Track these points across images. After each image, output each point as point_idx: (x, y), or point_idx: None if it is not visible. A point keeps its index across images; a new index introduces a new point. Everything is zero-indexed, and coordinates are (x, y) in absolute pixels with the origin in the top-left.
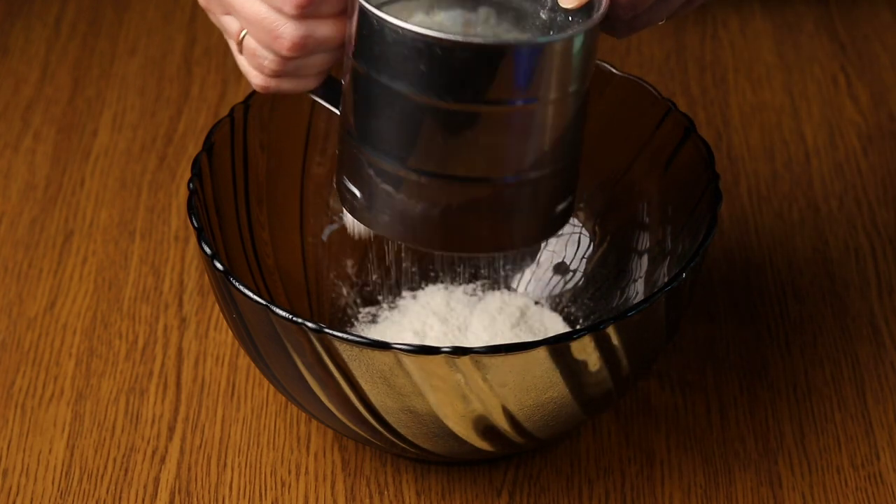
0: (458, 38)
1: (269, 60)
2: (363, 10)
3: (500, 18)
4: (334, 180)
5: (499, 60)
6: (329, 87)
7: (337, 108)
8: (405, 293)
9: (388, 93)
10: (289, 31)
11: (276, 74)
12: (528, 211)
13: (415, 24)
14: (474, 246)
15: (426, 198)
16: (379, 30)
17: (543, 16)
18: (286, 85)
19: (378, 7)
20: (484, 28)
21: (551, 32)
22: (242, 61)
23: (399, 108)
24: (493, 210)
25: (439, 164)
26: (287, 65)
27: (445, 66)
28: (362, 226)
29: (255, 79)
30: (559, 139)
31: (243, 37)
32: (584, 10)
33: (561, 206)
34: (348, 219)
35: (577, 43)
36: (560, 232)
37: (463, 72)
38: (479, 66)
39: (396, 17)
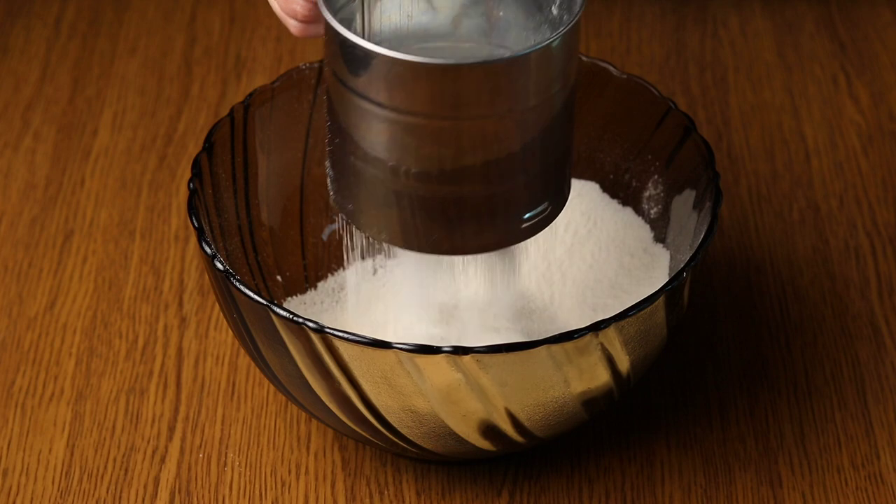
0: (424, 59)
1: (300, 6)
2: (338, 34)
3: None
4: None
5: (464, 78)
6: None
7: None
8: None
9: (361, 105)
10: None
11: (308, 20)
12: (510, 211)
13: (383, 44)
14: (457, 248)
15: (409, 202)
16: (350, 48)
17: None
18: (319, 30)
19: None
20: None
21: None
22: (278, 9)
23: (374, 119)
24: (475, 212)
25: (418, 170)
26: (316, 10)
27: (411, 85)
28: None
29: (291, 26)
30: (545, 140)
31: None
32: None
33: (542, 207)
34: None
35: (551, 50)
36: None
37: (428, 89)
38: (445, 85)
39: (363, 37)
